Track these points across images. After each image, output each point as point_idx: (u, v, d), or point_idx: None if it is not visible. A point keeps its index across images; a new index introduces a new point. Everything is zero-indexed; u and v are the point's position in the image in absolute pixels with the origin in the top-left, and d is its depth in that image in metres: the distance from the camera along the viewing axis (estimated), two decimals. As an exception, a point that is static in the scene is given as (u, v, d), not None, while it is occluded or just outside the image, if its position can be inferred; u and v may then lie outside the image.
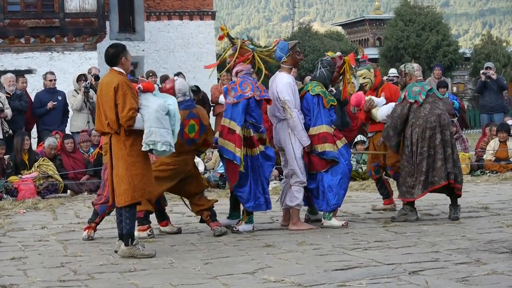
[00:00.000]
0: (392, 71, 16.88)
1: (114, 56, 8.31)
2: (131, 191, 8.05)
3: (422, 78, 10.51)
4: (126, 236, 8.10)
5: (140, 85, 8.30)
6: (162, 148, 8.03)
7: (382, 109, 10.81)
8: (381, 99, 10.95)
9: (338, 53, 10.25)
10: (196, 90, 10.05)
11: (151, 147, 8.01)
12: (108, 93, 8.06)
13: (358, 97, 11.05)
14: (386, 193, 11.34)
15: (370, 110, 10.93)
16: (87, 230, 9.34)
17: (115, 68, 8.28)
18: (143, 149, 8.02)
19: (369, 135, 11.41)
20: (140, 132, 8.06)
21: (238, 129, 9.38)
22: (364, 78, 11.14)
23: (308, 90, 9.92)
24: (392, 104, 10.59)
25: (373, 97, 10.97)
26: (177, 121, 8.30)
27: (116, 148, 8.14)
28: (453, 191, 10.21)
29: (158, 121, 8.01)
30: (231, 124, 9.45)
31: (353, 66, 10.17)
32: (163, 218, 9.74)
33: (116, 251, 8.28)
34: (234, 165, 9.39)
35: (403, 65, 10.58)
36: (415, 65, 10.42)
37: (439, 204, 11.30)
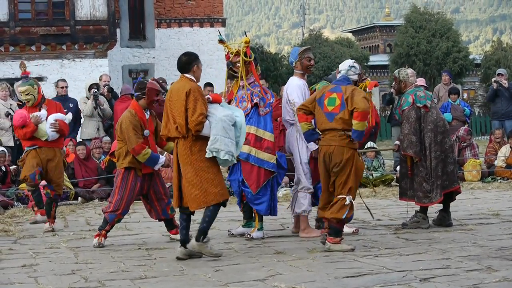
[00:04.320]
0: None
1: (187, 63, 8.47)
2: (203, 195, 8.15)
3: (424, 83, 10.52)
4: (200, 231, 8.20)
5: (209, 96, 8.41)
6: (224, 157, 8.12)
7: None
8: (43, 112, 10.87)
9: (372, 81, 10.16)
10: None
11: (214, 154, 8.11)
12: (179, 98, 8.19)
13: (22, 116, 10.90)
14: None
15: (38, 124, 10.78)
16: (97, 238, 9.36)
17: (187, 75, 8.41)
18: (206, 155, 8.13)
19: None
20: (206, 138, 8.18)
21: (272, 137, 9.48)
22: (27, 94, 10.91)
23: (316, 89, 9.98)
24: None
25: (37, 113, 10.84)
26: (243, 133, 8.40)
27: (183, 153, 8.22)
28: (451, 195, 10.22)
29: (224, 130, 8.12)
30: (258, 132, 9.49)
31: (368, 91, 9.97)
32: (172, 226, 9.74)
33: (177, 258, 8.29)
34: (257, 171, 9.42)
35: (397, 70, 10.57)
36: (409, 71, 10.37)
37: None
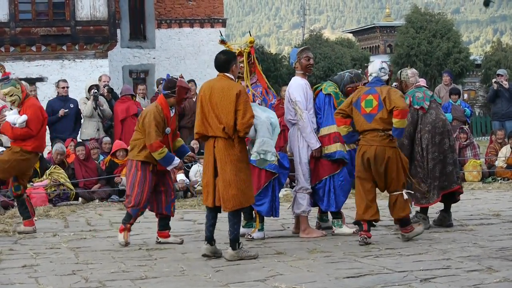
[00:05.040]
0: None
1: (226, 62, 8.39)
2: (240, 196, 8.14)
3: (424, 84, 10.52)
4: (233, 241, 8.22)
5: None
6: (271, 158, 8.19)
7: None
8: (14, 111, 10.67)
9: None
10: None
11: (262, 156, 8.14)
12: (226, 98, 8.13)
13: None
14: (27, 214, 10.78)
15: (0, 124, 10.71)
16: (123, 232, 9.30)
17: (227, 74, 8.35)
18: (253, 157, 8.15)
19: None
20: (244, 139, 8.22)
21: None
22: (11, 96, 10.59)
23: (321, 89, 10.00)
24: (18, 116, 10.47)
25: (6, 112, 10.79)
26: (276, 133, 8.45)
27: (225, 153, 8.16)
28: (453, 196, 10.22)
29: (268, 131, 8.19)
30: None
31: None
32: (166, 227, 9.54)
33: (204, 255, 8.34)
34: (258, 172, 9.40)
35: (399, 71, 10.62)
36: (409, 72, 10.40)
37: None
